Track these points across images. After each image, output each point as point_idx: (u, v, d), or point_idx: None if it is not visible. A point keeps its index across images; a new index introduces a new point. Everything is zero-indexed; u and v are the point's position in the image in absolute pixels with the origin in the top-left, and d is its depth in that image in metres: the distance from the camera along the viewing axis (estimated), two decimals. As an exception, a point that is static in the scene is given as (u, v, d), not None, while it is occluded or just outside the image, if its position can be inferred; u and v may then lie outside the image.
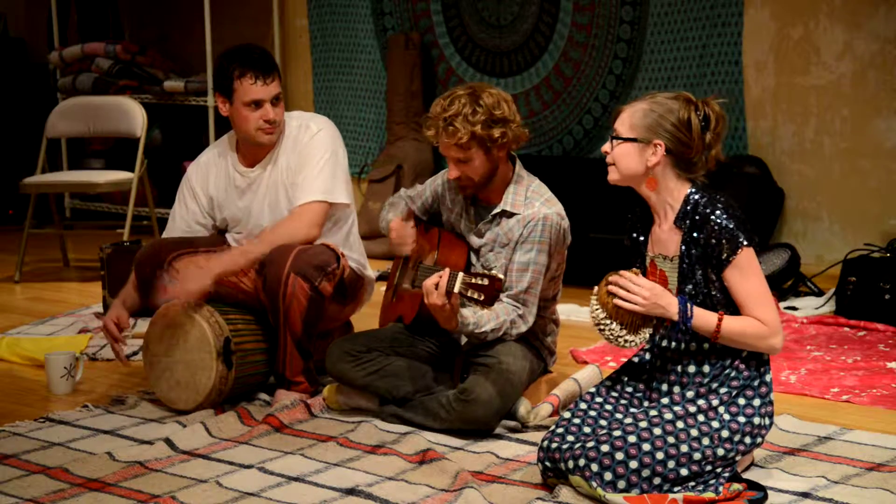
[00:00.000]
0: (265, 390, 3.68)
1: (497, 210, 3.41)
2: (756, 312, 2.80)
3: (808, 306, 4.87)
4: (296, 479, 2.97)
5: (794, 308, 4.84)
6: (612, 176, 2.93)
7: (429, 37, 6.76)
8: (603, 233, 5.32)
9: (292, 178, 3.64)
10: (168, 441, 3.21)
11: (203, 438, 3.27)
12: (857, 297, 4.67)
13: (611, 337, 2.85)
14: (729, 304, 2.83)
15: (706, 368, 2.86)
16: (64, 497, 2.86)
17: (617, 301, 2.82)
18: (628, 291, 2.81)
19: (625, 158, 2.88)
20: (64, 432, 3.38)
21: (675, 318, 2.81)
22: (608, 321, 2.84)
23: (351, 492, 2.86)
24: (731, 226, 2.78)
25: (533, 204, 3.39)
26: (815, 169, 5.57)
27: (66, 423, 3.46)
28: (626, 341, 2.84)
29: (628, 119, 2.88)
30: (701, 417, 2.80)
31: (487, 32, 6.54)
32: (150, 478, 2.98)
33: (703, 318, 2.81)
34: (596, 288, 2.89)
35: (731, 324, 2.80)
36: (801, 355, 4.13)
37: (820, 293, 5.05)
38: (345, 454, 3.14)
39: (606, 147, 2.93)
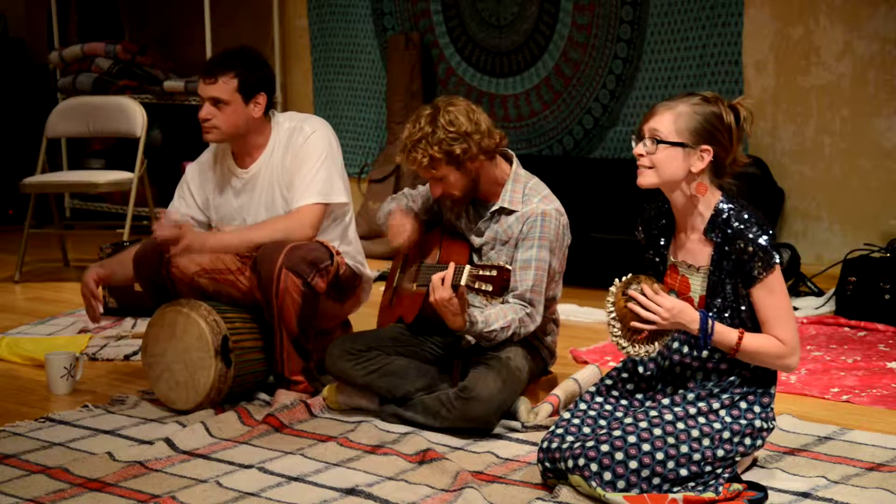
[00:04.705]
0: (265, 390, 3.68)
1: (495, 207, 3.41)
2: (776, 331, 2.76)
3: (808, 306, 4.87)
4: (296, 479, 2.96)
5: (794, 308, 4.83)
6: (649, 180, 2.80)
7: (429, 37, 6.76)
8: (603, 233, 5.32)
9: (288, 180, 3.64)
10: (168, 441, 3.20)
11: (203, 438, 3.26)
12: (857, 297, 4.67)
13: (616, 342, 2.80)
14: (755, 319, 2.80)
15: (713, 378, 2.85)
16: (64, 497, 2.86)
17: (635, 312, 2.74)
18: (647, 308, 2.74)
19: (670, 164, 2.76)
20: (64, 432, 3.37)
21: (696, 334, 2.76)
22: (617, 324, 2.77)
23: (351, 492, 2.86)
24: (767, 244, 2.72)
25: (531, 200, 3.39)
26: (815, 169, 5.57)
27: (66, 423, 3.45)
28: (624, 350, 2.79)
29: (672, 122, 2.76)
30: (702, 419, 2.79)
31: (487, 32, 6.54)
32: (150, 478, 2.98)
33: (724, 334, 2.77)
34: (615, 285, 2.79)
35: (750, 342, 2.76)
36: (802, 355, 4.12)
37: (820, 293, 5.05)
38: (345, 454, 3.14)
39: (641, 149, 2.81)
